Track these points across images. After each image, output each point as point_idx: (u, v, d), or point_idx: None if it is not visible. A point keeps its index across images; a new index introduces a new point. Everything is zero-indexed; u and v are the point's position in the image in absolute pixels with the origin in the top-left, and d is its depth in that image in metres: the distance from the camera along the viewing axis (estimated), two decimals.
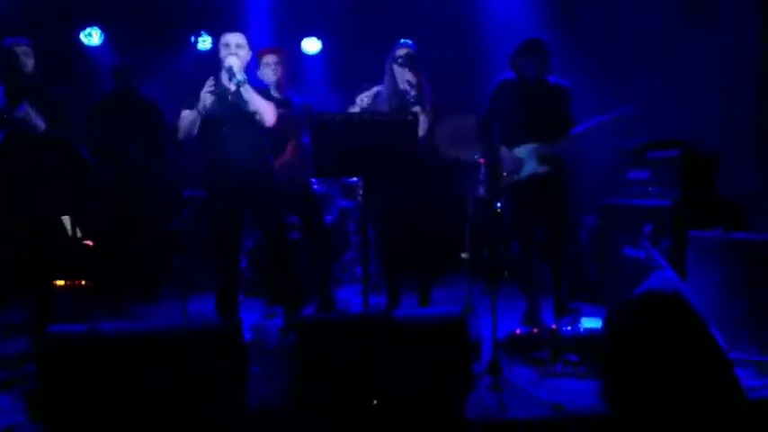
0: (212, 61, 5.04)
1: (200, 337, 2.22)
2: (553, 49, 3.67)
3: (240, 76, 3.23)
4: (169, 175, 5.01)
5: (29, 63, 3.43)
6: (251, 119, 3.31)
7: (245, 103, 3.26)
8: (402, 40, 4.07)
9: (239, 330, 2.31)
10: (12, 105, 3.35)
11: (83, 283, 4.33)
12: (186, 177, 4.99)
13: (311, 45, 6.12)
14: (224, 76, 3.26)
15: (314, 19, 5.99)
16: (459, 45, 5.61)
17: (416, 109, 3.59)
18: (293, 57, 5.24)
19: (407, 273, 3.95)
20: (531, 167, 3.66)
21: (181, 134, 3.34)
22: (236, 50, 3.30)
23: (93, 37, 5.68)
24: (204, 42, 5.91)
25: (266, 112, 3.31)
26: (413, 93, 3.59)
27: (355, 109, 3.72)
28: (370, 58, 4.26)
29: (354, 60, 5.54)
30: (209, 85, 3.19)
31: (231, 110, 3.29)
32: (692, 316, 2.37)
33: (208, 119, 3.26)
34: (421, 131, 3.63)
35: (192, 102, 3.26)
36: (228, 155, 3.32)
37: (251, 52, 3.45)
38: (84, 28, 5.63)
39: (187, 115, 3.28)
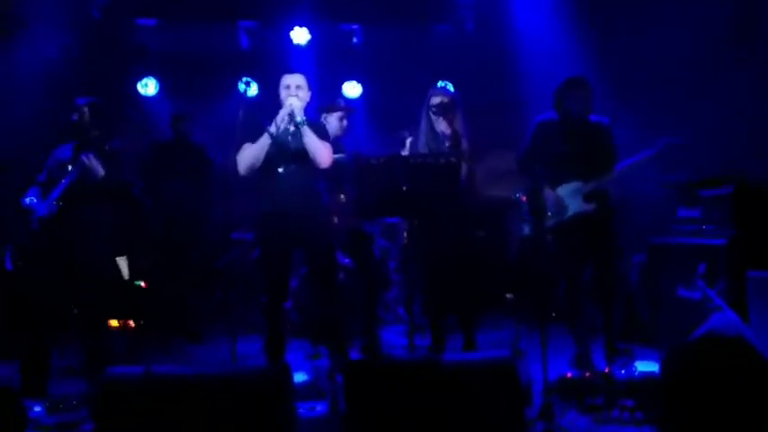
0: (260, 105, 5.33)
1: (251, 382, 2.24)
2: (594, 86, 3.68)
3: (300, 117, 3.27)
4: (216, 217, 5.18)
5: (92, 121, 3.63)
6: (307, 160, 3.33)
7: (303, 144, 3.30)
8: (438, 86, 4.16)
9: (288, 375, 2.32)
10: (76, 157, 3.56)
11: (133, 323, 4.48)
12: (232, 220, 5.17)
13: (352, 89, 6.31)
14: (283, 117, 3.29)
15: (355, 63, 6.19)
16: (498, 83, 5.68)
17: (456, 154, 3.64)
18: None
19: (451, 313, 3.92)
20: (576, 206, 3.62)
21: (243, 168, 3.33)
22: (296, 91, 3.35)
23: (149, 87, 6.00)
24: (251, 89, 6.18)
25: (323, 154, 3.31)
26: (447, 143, 3.63)
27: (405, 152, 3.77)
28: (411, 102, 4.38)
29: (394, 104, 5.67)
30: (283, 115, 3.24)
31: (288, 150, 3.32)
32: (756, 359, 2.30)
33: (264, 158, 3.30)
34: (463, 176, 3.68)
35: (253, 136, 3.29)
36: (283, 195, 3.32)
37: (310, 93, 3.47)
38: (141, 78, 5.95)
39: (250, 147, 3.29)
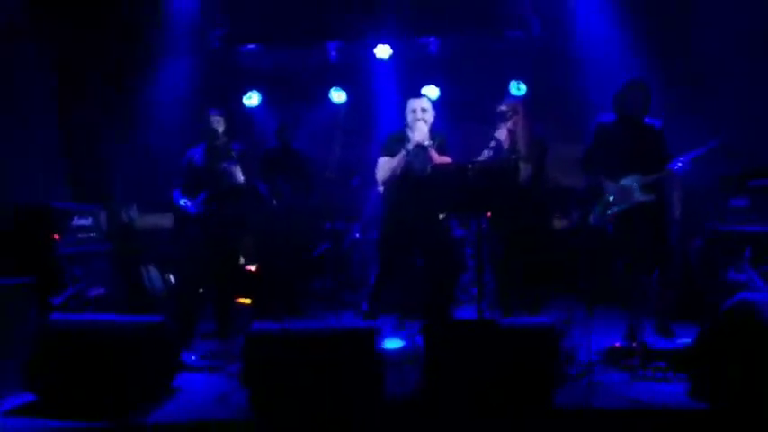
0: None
1: (351, 336, 2.98)
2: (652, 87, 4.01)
3: (427, 142, 3.90)
4: (313, 210, 5.94)
5: (220, 128, 4.44)
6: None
7: (429, 164, 3.91)
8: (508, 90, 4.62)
9: (377, 331, 3.03)
10: (210, 164, 4.39)
11: (245, 300, 5.37)
12: (327, 213, 5.94)
13: (431, 92, 6.67)
14: (411, 139, 3.90)
15: (432, 70, 6.74)
16: (563, 84, 6.07)
17: (521, 162, 4.15)
18: None
19: (521, 296, 4.45)
20: (637, 196, 3.97)
21: (382, 178, 4.04)
22: (422, 115, 3.97)
23: (252, 99, 6.89)
24: (339, 96, 6.92)
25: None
26: (505, 146, 4.12)
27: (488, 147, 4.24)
28: (485, 101, 4.89)
29: (469, 104, 6.21)
30: (418, 135, 3.87)
31: (414, 167, 3.95)
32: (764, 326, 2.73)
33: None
34: (524, 175, 4.21)
35: (390, 149, 3.98)
36: (409, 203, 3.97)
37: (434, 113, 4.07)
38: (245, 92, 6.86)
39: (389, 161, 3.97)
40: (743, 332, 2.79)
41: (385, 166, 4.00)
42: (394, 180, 4.03)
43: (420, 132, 3.88)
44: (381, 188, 4.27)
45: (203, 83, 6.10)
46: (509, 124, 4.13)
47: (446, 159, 3.95)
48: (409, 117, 3.99)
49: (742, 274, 4.04)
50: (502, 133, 4.13)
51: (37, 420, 2.96)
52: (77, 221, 4.33)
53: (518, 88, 6.45)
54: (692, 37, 5.09)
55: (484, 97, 5.51)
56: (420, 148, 3.89)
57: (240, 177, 4.37)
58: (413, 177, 3.99)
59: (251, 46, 6.51)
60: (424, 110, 3.97)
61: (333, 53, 6.69)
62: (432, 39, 6.47)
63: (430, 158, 3.91)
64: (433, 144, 3.96)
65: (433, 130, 4.09)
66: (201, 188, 4.37)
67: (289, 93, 6.86)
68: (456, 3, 6.07)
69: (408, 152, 3.90)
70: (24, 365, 3.14)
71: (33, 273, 3.58)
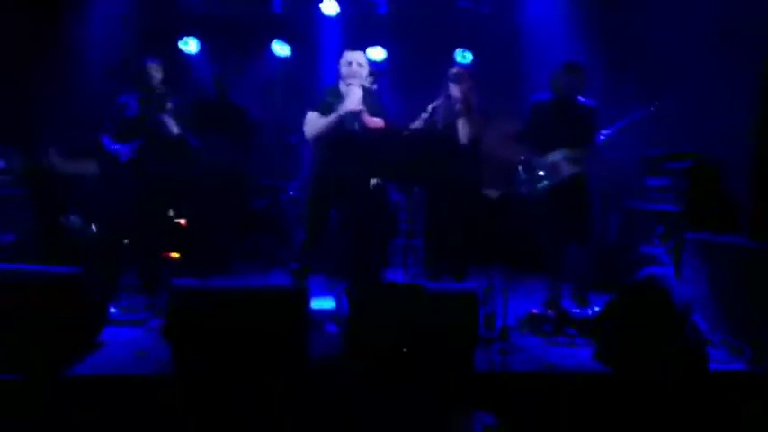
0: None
1: (278, 295, 3.01)
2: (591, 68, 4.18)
3: (360, 106, 3.80)
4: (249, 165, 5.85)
5: (157, 77, 4.26)
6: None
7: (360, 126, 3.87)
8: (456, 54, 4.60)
9: (306, 292, 3.08)
10: (145, 113, 4.21)
11: (174, 254, 5.27)
12: (262, 168, 5.85)
13: (377, 53, 6.66)
14: (344, 105, 3.80)
15: (379, 31, 6.68)
16: (508, 59, 6.18)
17: (461, 120, 4.26)
18: None
19: (449, 262, 4.59)
20: (565, 170, 4.14)
21: (311, 136, 3.92)
22: (357, 68, 3.84)
23: (189, 45, 6.61)
24: (282, 49, 6.75)
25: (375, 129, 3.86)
26: (458, 106, 4.24)
27: (425, 115, 4.27)
28: (430, 68, 4.91)
29: (415, 70, 6.20)
30: (351, 102, 3.77)
31: (346, 128, 3.87)
32: (665, 298, 2.96)
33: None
34: (465, 138, 4.30)
35: (320, 108, 3.86)
36: (338, 162, 3.91)
37: (368, 70, 3.95)
38: (182, 37, 6.57)
39: (320, 120, 3.86)
40: (647, 303, 3.02)
41: (315, 123, 3.90)
42: (323, 139, 3.97)
43: (353, 97, 3.83)
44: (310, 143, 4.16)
45: (138, 22, 5.80)
46: (463, 87, 4.17)
47: (379, 122, 3.92)
48: (344, 69, 3.91)
49: (653, 248, 4.32)
50: (455, 91, 4.16)
51: None
52: None
53: (463, 56, 6.50)
54: (639, 23, 5.24)
55: (429, 63, 5.53)
56: (352, 113, 3.86)
57: (174, 129, 4.24)
58: (343, 137, 3.94)
59: None
60: (360, 64, 3.89)
61: (276, 4, 6.49)
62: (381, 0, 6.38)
63: (362, 121, 3.89)
64: (365, 109, 3.92)
65: (367, 91, 4.06)
66: (133, 137, 4.22)
67: (229, 42, 6.60)
68: None
69: (340, 117, 3.85)
70: None
71: None
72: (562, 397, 2.93)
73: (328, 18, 6.43)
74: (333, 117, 3.85)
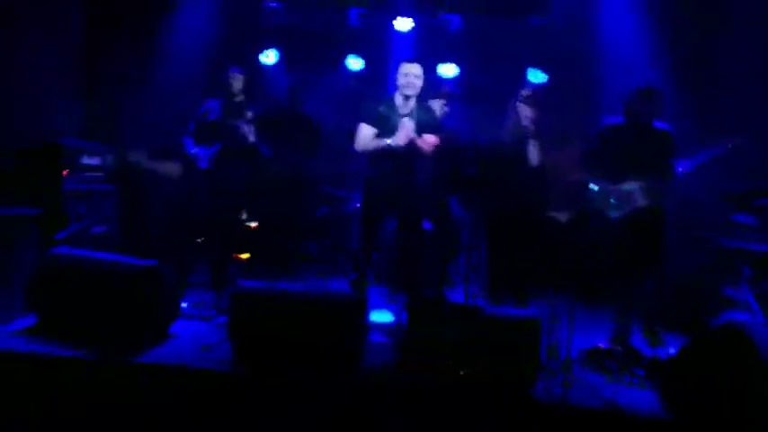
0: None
1: (339, 302, 3.06)
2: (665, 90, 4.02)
3: (412, 135, 3.83)
4: (318, 174, 5.97)
5: (238, 85, 4.46)
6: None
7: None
8: (528, 73, 4.56)
9: (365, 303, 3.12)
10: (226, 119, 4.40)
11: (244, 256, 5.44)
12: (334, 178, 5.96)
13: (449, 70, 6.68)
14: (400, 138, 3.85)
15: (451, 46, 6.66)
16: (581, 76, 6.04)
17: (532, 142, 4.21)
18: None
19: (512, 285, 4.51)
20: (639, 200, 3.99)
21: (360, 149, 3.96)
22: (414, 80, 3.89)
23: (269, 57, 6.83)
24: (357, 63, 6.88)
25: (428, 148, 3.89)
26: (531, 128, 4.20)
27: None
28: (503, 86, 4.89)
29: (488, 87, 6.16)
30: (400, 138, 3.81)
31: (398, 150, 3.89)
32: (750, 349, 2.74)
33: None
34: (534, 161, 4.26)
35: (373, 120, 3.89)
36: (392, 169, 3.95)
37: (422, 80, 3.96)
38: (263, 49, 6.79)
39: (370, 140, 3.88)
40: (726, 353, 2.80)
41: (365, 140, 3.90)
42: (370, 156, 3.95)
43: (402, 134, 3.81)
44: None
45: (223, 33, 6.05)
46: (526, 108, 4.14)
47: (433, 140, 3.90)
48: (401, 80, 3.93)
49: (738, 292, 4.06)
50: (526, 112, 4.14)
51: (37, 344, 3.12)
52: (86, 160, 4.37)
53: (535, 75, 6.41)
54: (717, 44, 5.03)
55: (501, 80, 5.50)
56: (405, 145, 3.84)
57: (251, 137, 4.41)
58: (394, 153, 3.93)
59: (273, 3, 6.47)
60: (416, 76, 3.91)
61: (354, 19, 6.62)
62: (455, 16, 6.40)
63: (416, 147, 3.87)
64: (416, 138, 3.89)
65: (424, 108, 4.04)
66: (213, 141, 4.41)
67: (305, 54, 6.80)
68: None
69: (389, 146, 3.84)
70: (26, 289, 3.29)
71: (41, 206, 3.66)
72: None
73: (401, 34, 6.49)
74: (382, 145, 3.85)
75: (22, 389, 2.86)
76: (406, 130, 3.82)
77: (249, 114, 4.40)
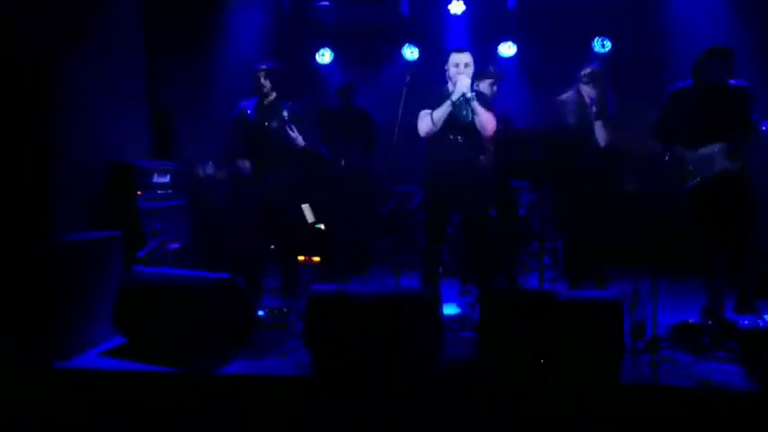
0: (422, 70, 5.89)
1: (411, 301, 3.03)
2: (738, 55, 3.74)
3: (470, 93, 3.77)
4: (378, 171, 5.97)
5: (267, 84, 4.21)
6: (474, 130, 3.87)
7: (472, 116, 3.82)
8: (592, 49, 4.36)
9: (438, 299, 3.08)
10: (261, 121, 4.22)
11: (315, 258, 5.53)
12: (395, 174, 5.94)
13: (508, 49, 6.53)
14: (457, 95, 3.76)
15: (507, 25, 6.49)
16: (654, 46, 5.70)
17: (598, 123, 4.04)
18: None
19: (589, 266, 4.34)
20: (720, 164, 3.76)
21: (424, 131, 3.87)
22: (464, 70, 3.83)
23: (324, 56, 6.89)
24: (412, 53, 6.80)
25: (488, 124, 3.84)
26: (594, 109, 4.04)
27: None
28: (563, 62, 4.70)
29: (549, 64, 5.94)
30: (457, 94, 3.72)
31: (459, 121, 3.85)
32: None
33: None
34: (602, 142, 4.10)
35: (431, 103, 3.82)
36: (451, 160, 3.90)
37: (474, 67, 3.89)
38: (318, 49, 6.86)
39: (431, 113, 3.80)
40: None
41: (427, 118, 3.84)
42: (437, 133, 3.86)
43: (463, 83, 3.75)
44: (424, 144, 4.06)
45: (278, 38, 6.14)
46: (589, 88, 4.03)
47: (490, 116, 3.82)
48: (451, 70, 3.88)
49: None
50: (590, 92, 4.04)
51: (121, 362, 3.27)
52: (157, 178, 4.55)
53: (602, 45, 6.12)
54: None
55: (564, 56, 5.28)
56: (464, 98, 3.75)
57: (300, 141, 4.20)
58: (457, 129, 3.86)
59: (323, 2, 6.49)
60: (466, 64, 3.84)
61: (405, 8, 6.56)
62: None
63: (474, 110, 3.79)
64: (475, 97, 3.82)
65: (477, 90, 3.96)
66: (254, 144, 4.25)
67: (360, 50, 6.80)
68: None
69: (453, 103, 3.77)
70: (113, 311, 3.46)
71: (118, 226, 3.85)
72: (718, 418, 2.64)
73: (455, 17, 6.37)
74: (445, 105, 3.80)
75: (111, 406, 2.99)
76: (463, 81, 3.75)
77: (285, 114, 4.15)
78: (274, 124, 4.22)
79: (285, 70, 4.53)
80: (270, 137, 4.23)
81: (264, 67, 4.25)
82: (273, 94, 4.28)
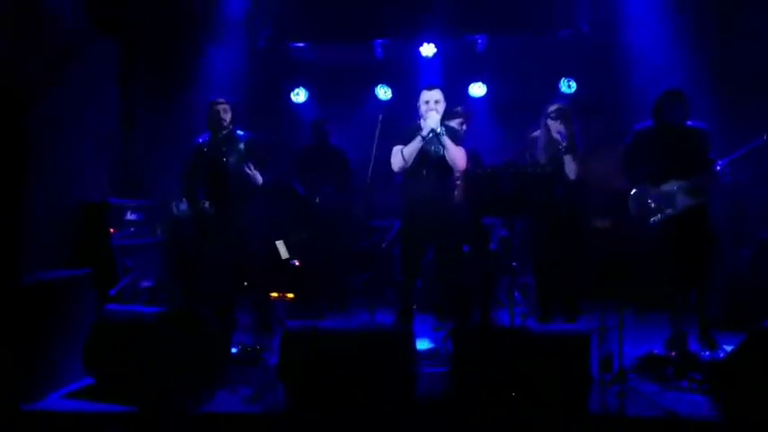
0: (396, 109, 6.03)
1: (384, 339, 3.07)
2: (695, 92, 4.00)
3: (439, 129, 3.87)
4: (354, 207, 6.02)
5: (227, 118, 4.25)
6: (445, 165, 3.97)
7: (442, 152, 3.93)
8: (560, 85, 4.55)
9: (411, 337, 3.12)
10: (214, 156, 4.20)
11: (289, 295, 5.51)
12: (371, 210, 5.99)
13: (478, 89, 6.71)
14: (427, 131, 3.87)
15: (477, 66, 6.71)
16: (612, 84, 5.98)
17: (567, 157, 4.19)
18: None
19: (561, 300, 4.44)
20: (682, 201, 3.94)
21: (397, 166, 3.96)
22: (434, 106, 3.95)
23: (299, 95, 7.02)
24: (386, 93, 6.97)
25: (459, 159, 3.94)
26: (564, 143, 4.20)
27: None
28: (532, 102, 4.87)
29: (518, 104, 6.14)
30: (427, 130, 3.82)
31: (430, 156, 3.96)
32: None
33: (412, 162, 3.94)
34: (572, 175, 4.24)
35: (403, 138, 3.92)
36: (423, 195, 3.97)
37: (445, 103, 4.01)
38: (293, 89, 6.99)
39: (403, 148, 3.90)
40: None
41: (399, 154, 3.92)
42: (409, 168, 3.96)
43: (432, 119, 3.87)
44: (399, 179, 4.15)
45: (253, 78, 6.22)
46: (557, 124, 4.21)
47: (460, 150, 3.92)
48: (422, 107, 3.99)
49: None
50: (557, 128, 4.21)
51: (90, 404, 3.21)
52: (130, 216, 4.54)
53: (569, 86, 6.38)
54: (744, 44, 4.93)
55: (532, 96, 5.48)
56: (434, 133, 3.86)
57: (258, 179, 4.19)
58: (428, 164, 3.95)
59: (299, 44, 6.64)
60: (437, 101, 3.96)
61: (379, 50, 6.75)
62: (480, 37, 6.44)
63: (444, 145, 3.90)
64: (445, 132, 3.92)
65: (448, 127, 4.08)
66: (212, 181, 4.25)
67: (335, 90, 6.95)
68: (505, 1, 6.06)
69: (423, 138, 3.87)
70: (83, 351, 3.40)
71: (91, 265, 3.82)
72: None
73: (427, 60, 6.57)
74: (416, 141, 3.90)
75: None
76: (433, 117, 3.85)
77: (242, 146, 4.19)
78: (232, 159, 4.24)
79: (245, 107, 4.62)
80: (227, 173, 4.24)
81: (223, 101, 4.29)
82: (230, 127, 4.30)
